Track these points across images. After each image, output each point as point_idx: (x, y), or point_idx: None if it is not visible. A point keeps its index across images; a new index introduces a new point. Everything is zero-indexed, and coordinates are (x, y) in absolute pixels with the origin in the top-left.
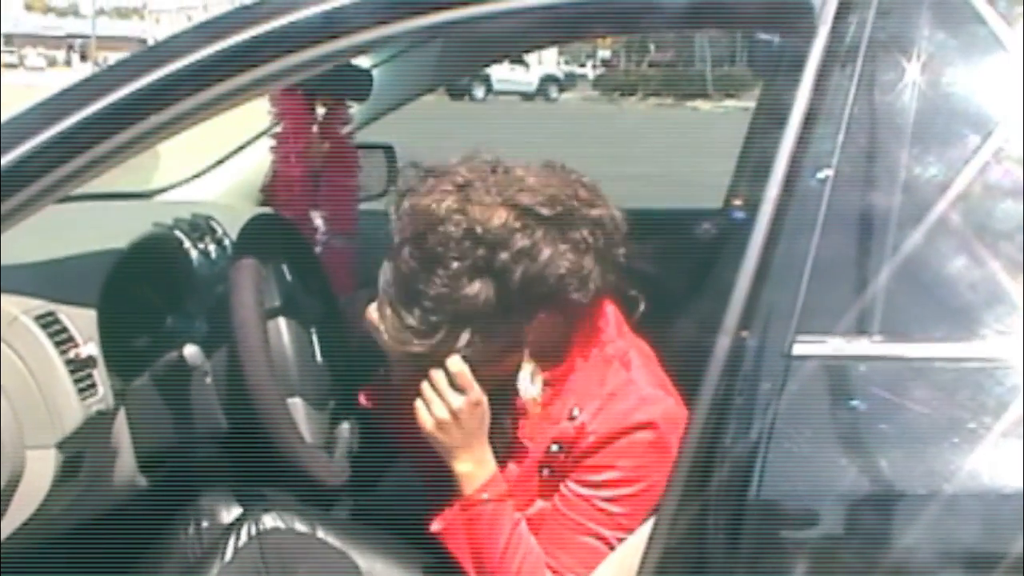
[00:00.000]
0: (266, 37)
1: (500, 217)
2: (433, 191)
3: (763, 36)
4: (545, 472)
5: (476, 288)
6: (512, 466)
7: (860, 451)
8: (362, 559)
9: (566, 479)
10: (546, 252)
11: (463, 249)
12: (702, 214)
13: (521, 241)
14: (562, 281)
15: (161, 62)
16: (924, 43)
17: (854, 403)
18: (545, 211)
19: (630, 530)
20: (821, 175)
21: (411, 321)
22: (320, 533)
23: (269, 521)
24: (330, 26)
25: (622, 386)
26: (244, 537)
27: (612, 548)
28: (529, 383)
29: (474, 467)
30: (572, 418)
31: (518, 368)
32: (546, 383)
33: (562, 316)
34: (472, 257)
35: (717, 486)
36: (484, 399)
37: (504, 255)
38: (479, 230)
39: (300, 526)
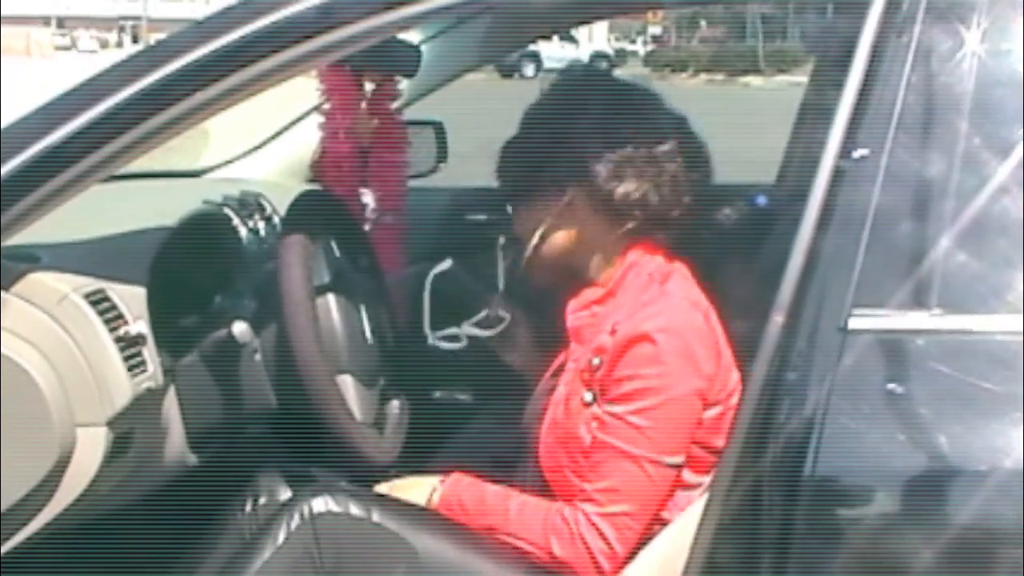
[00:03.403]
0: (312, 12)
1: None
2: None
3: (816, 8)
4: (588, 396)
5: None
6: (561, 388)
7: (917, 427)
8: (418, 542)
9: (603, 399)
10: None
11: None
12: (755, 189)
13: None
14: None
15: (206, 39)
16: (984, 11)
17: (911, 378)
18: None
19: (665, 450)
20: (857, 154)
21: None
22: (375, 516)
23: (322, 504)
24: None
25: (655, 296)
26: (297, 520)
27: (648, 473)
28: None
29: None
30: (613, 331)
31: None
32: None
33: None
34: None
35: (771, 462)
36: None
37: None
38: None
39: (355, 509)
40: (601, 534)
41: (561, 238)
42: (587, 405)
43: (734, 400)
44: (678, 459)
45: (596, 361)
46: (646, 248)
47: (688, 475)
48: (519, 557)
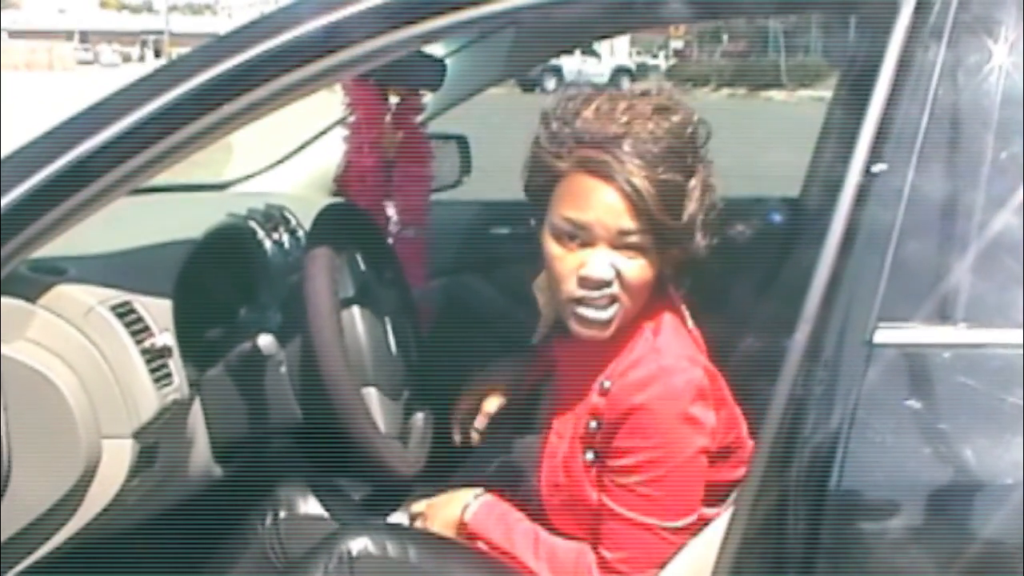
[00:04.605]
0: (334, 27)
1: None
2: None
3: (840, 22)
4: (589, 456)
5: None
6: (560, 443)
7: (943, 441)
8: None
9: (605, 466)
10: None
11: None
12: (778, 203)
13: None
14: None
15: (230, 53)
16: (1011, 24)
17: (937, 392)
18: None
19: (678, 514)
20: (875, 169)
21: None
22: (412, 556)
23: (360, 545)
24: (402, 13)
25: (646, 354)
26: (335, 561)
27: (664, 538)
28: None
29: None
30: (604, 391)
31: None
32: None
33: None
34: None
35: (796, 476)
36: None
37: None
38: None
39: (392, 550)
40: None
41: (638, 303)
42: (589, 466)
43: (744, 431)
44: (692, 517)
45: (593, 424)
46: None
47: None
48: None
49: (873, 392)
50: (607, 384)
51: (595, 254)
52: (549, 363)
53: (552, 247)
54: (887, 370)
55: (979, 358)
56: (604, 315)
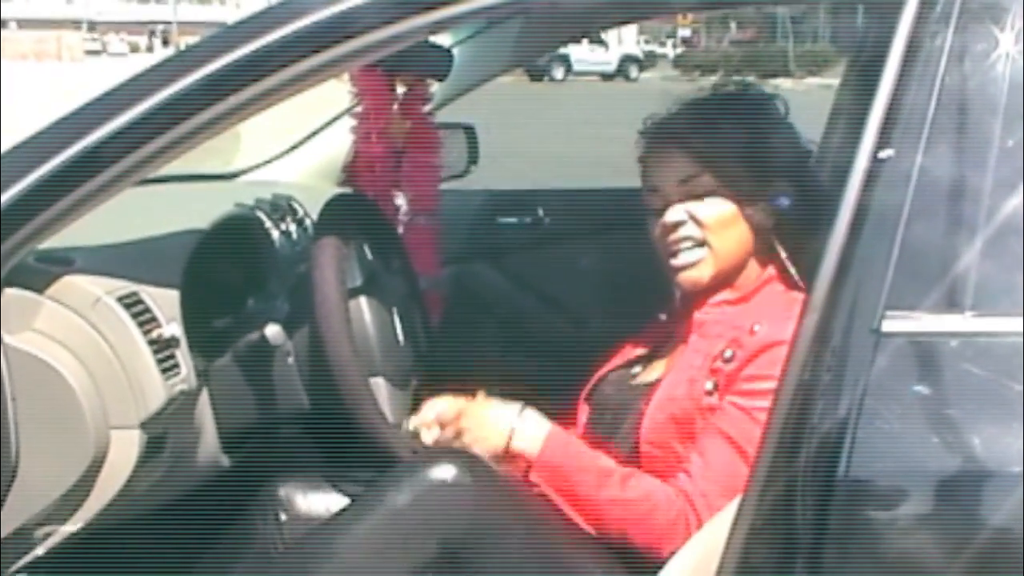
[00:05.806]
0: (346, 15)
1: None
2: None
3: (848, 8)
4: (709, 385)
5: None
6: (680, 375)
7: (951, 429)
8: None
9: (726, 397)
10: None
11: None
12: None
13: None
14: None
15: (238, 43)
16: (1018, 11)
17: (945, 380)
18: None
19: None
20: (883, 155)
21: None
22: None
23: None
24: (410, 2)
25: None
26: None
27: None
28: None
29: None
30: (753, 332)
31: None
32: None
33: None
34: None
35: (805, 464)
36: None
37: None
38: None
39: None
40: (699, 520)
41: (728, 246)
42: (708, 394)
43: None
44: None
45: (728, 353)
46: (780, 263)
47: None
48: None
49: (881, 380)
50: (758, 328)
51: (671, 208)
52: (672, 334)
53: (649, 224)
54: (895, 358)
55: (987, 346)
56: (692, 256)
